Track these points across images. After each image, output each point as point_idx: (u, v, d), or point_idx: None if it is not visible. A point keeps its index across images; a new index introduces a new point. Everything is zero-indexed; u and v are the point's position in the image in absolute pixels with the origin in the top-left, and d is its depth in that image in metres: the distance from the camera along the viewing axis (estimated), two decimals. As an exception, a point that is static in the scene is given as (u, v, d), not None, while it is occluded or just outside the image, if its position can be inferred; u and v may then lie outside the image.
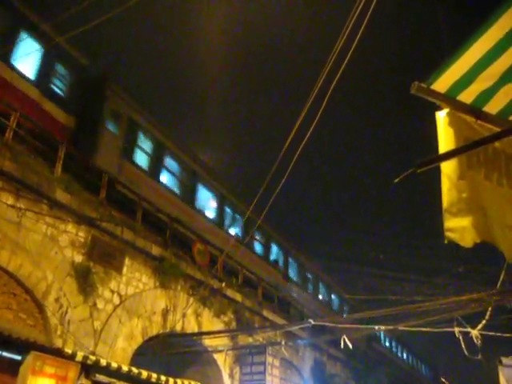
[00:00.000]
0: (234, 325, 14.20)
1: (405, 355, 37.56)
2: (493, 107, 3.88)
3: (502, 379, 6.21)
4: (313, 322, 10.18)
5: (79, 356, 7.70)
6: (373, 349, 27.61)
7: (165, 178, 15.33)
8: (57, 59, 12.56)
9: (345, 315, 24.36)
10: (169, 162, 15.63)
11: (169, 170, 15.57)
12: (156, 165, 14.91)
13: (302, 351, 17.71)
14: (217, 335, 12.82)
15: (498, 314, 8.11)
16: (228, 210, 18.15)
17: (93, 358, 8.01)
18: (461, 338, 7.70)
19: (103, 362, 8.09)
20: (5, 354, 7.17)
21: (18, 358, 7.24)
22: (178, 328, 11.99)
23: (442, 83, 3.71)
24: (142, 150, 14.50)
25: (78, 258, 9.63)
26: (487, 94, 3.80)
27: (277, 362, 14.11)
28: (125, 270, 10.75)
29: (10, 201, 8.52)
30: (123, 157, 13.50)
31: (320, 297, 25.99)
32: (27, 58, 11.33)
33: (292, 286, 21.72)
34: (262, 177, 7.92)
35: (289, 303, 19.07)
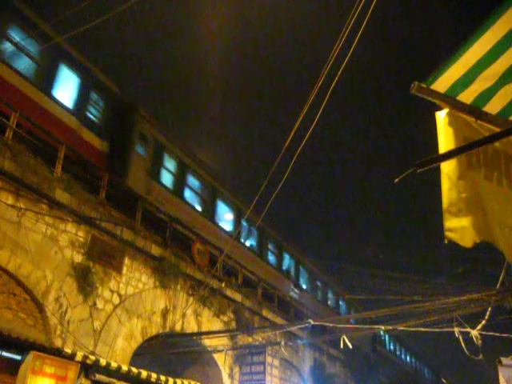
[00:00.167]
0: (233, 325, 14.20)
1: (407, 357, 37.77)
2: (493, 107, 3.87)
3: (501, 379, 6.20)
4: (312, 322, 10.18)
5: (79, 356, 7.70)
6: (377, 352, 27.78)
7: (188, 195, 16.24)
8: (92, 88, 13.34)
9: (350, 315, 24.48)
10: (191, 180, 16.51)
11: (191, 188, 16.43)
12: (180, 183, 15.79)
13: (302, 351, 17.71)
14: (216, 335, 12.82)
15: (498, 314, 8.11)
16: (244, 225, 18.84)
17: (92, 357, 8.02)
18: (461, 338, 7.70)
19: (103, 362, 8.10)
20: (4, 353, 7.17)
21: (18, 357, 7.25)
22: (178, 328, 11.99)
23: (442, 83, 3.71)
24: (167, 169, 15.38)
25: (78, 258, 9.63)
26: (487, 94, 3.80)
27: (276, 362, 14.12)
28: (124, 269, 10.75)
29: (10, 200, 8.52)
30: (151, 177, 14.33)
31: (329, 302, 26.15)
32: (66, 89, 12.39)
33: (305, 294, 22.60)
34: (263, 177, 7.93)
35: (289, 303, 19.08)
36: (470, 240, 3.63)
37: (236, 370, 13.75)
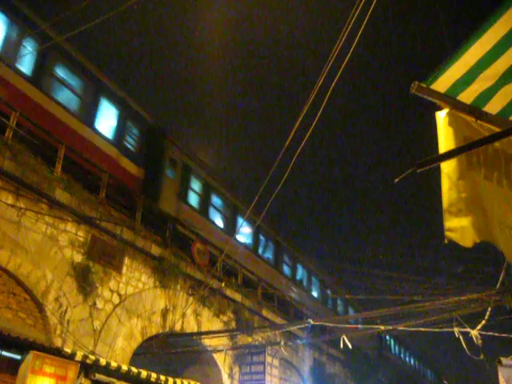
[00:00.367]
0: (233, 324, 14.20)
1: (411, 360, 38.21)
2: (493, 107, 3.87)
3: (501, 379, 6.21)
4: (312, 322, 10.18)
5: (79, 355, 7.70)
6: (383, 356, 28.46)
7: (212, 213, 17.27)
8: (127, 118, 14.20)
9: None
10: (214, 199, 17.49)
11: (215, 207, 17.41)
12: (204, 203, 16.83)
13: (302, 351, 17.71)
14: (216, 335, 12.82)
15: (498, 314, 8.11)
16: (262, 237, 20.14)
17: (92, 357, 8.02)
18: (461, 338, 7.70)
19: (103, 362, 8.10)
20: (4, 353, 7.17)
21: (18, 357, 7.25)
22: (178, 328, 11.99)
23: (442, 83, 3.71)
24: (193, 190, 16.35)
25: (78, 258, 9.63)
26: (487, 94, 3.80)
27: (276, 362, 14.13)
28: (124, 269, 10.75)
29: (10, 200, 8.52)
30: (179, 198, 15.27)
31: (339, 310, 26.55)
32: (106, 120, 13.32)
33: (315, 302, 23.48)
34: (263, 177, 7.93)
35: (289, 303, 19.10)
36: (470, 240, 3.62)
37: (236, 369, 13.75)
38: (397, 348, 34.03)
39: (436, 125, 3.91)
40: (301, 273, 23.60)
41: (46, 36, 11.48)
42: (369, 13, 5.05)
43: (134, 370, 8.67)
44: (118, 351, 10.04)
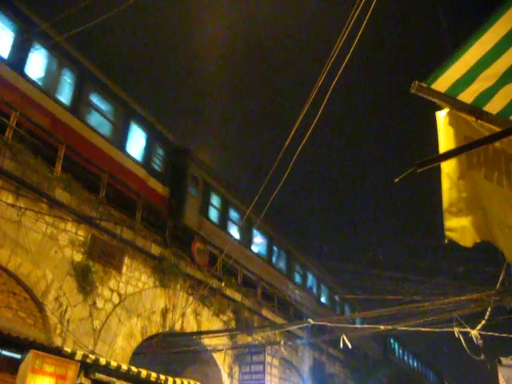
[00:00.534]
0: (233, 324, 14.20)
1: (414, 362, 38.81)
2: (493, 107, 3.87)
3: (501, 379, 6.20)
4: (312, 322, 10.18)
5: (79, 355, 7.70)
6: (389, 360, 29.16)
7: (229, 226, 18.22)
8: (154, 140, 15.01)
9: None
10: (232, 213, 18.41)
11: (232, 221, 18.32)
12: (223, 218, 17.74)
13: (302, 351, 17.71)
14: (216, 334, 12.82)
15: (498, 314, 8.12)
16: (275, 248, 21.20)
17: (92, 356, 8.01)
18: (461, 338, 7.70)
19: (102, 361, 8.10)
20: (4, 352, 7.17)
21: (18, 356, 7.24)
22: (178, 327, 11.99)
23: (443, 83, 3.70)
24: (213, 206, 17.26)
25: (78, 257, 9.63)
26: (487, 94, 3.80)
27: (276, 362, 14.13)
28: (124, 269, 10.75)
29: (10, 200, 8.52)
30: (201, 214, 16.15)
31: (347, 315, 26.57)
32: (135, 143, 14.18)
33: (325, 308, 24.18)
34: (263, 177, 7.92)
35: (289, 303, 19.11)
36: (470, 240, 3.62)
37: (235, 369, 13.75)
38: (400, 351, 34.66)
39: (436, 124, 3.91)
40: (311, 280, 24.39)
41: (83, 68, 12.54)
42: (369, 13, 5.05)
43: (133, 369, 8.67)
44: (117, 350, 10.04)
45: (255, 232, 19.64)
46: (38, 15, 11.50)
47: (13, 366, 7.18)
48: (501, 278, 6.53)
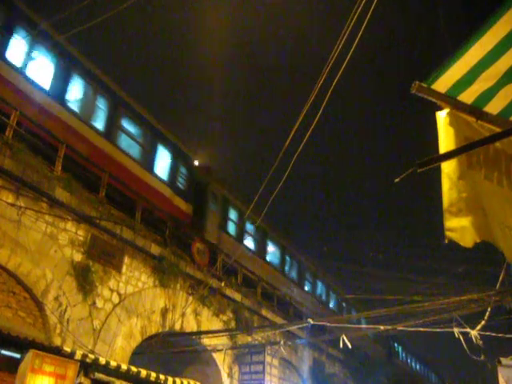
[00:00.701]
0: (233, 324, 14.20)
1: (415, 363, 39.62)
2: (493, 107, 3.87)
3: (501, 379, 6.21)
4: (312, 322, 10.18)
5: (78, 354, 7.70)
6: (394, 363, 30.09)
7: (246, 239, 19.08)
8: (178, 160, 15.77)
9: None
10: (248, 225, 19.20)
11: (248, 233, 19.20)
12: (240, 231, 18.62)
13: (301, 351, 17.70)
14: (216, 334, 12.82)
15: (498, 315, 8.11)
16: (288, 259, 22.21)
17: (92, 356, 8.01)
18: (461, 338, 7.70)
19: (102, 361, 8.10)
20: (4, 352, 7.17)
21: (17, 356, 7.24)
22: (177, 327, 11.99)
23: (443, 83, 3.70)
24: (231, 220, 18.16)
25: (78, 257, 9.63)
26: (488, 95, 3.80)
27: (276, 362, 14.12)
28: (124, 268, 10.74)
29: (10, 199, 8.51)
30: (220, 228, 17.00)
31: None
32: (161, 164, 14.93)
33: (331, 313, 24.85)
34: (263, 177, 7.92)
35: (289, 303, 19.12)
36: (470, 240, 3.63)
37: (235, 369, 13.75)
38: (404, 354, 35.66)
39: (436, 125, 3.91)
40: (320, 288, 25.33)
41: (110, 91, 13.22)
42: (369, 13, 5.05)
43: (133, 369, 8.67)
44: (117, 350, 10.04)
45: (269, 242, 20.71)
46: (78, 48, 12.56)
47: (12, 366, 7.18)
48: (501, 278, 6.53)
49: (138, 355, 11.13)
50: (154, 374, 9.02)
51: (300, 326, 13.17)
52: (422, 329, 8.87)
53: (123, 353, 10.19)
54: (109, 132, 13.04)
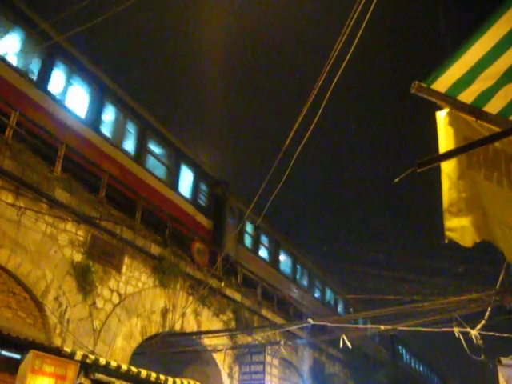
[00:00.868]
0: (233, 324, 14.20)
1: (421, 367, 40.64)
2: (493, 107, 3.87)
3: (501, 379, 6.20)
4: (312, 322, 10.18)
5: (78, 355, 7.70)
6: (398, 366, 30.84)
7: (261, 250, 19.95)
8: (199, 178, 16.58)
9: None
10: (263, 238, 20.16)
11: (263, 245, 20.08)
12: (255, 242, 19.38)
13: (301, 351, 17.71)
14: (216, 334, 12.81)
15: (498, 314, 8.11)
16: (299, 267, 23.12)
17: (92, 357, 8.01)
18: (462, 338, 7.69)
19: (102, 361, 8.09)
20: (4, 352, 7.16)
21: (17, 356, 7.23)
22: (177, 327, 11.99)
23: (443, 83, 3.70)
24: (247, 233, 18.87)
25: (78, 257, 9.62)
26: (487, 94, 3.80)
27: (276, 362, 14.12)
28: (124, 268, 10.74)
29: (10, 199, 8.51)
30: (238, 241, 17.52)
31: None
32: (185, 182, 15.79)
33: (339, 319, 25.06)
34: (263, 176, 7.92)
35: (289, 303, 19.13)
36: (470, 240, 3.62)
37: (235, 369, 13.74)
38: (407, 356, 36.55)
39: (436, 125, 3.91)
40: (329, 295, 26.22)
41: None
42: (369, 13, 5.04)
43: (133, 369, 8.67)
44: (117, 351, 10.04)
45: (281, 253, 21.69)
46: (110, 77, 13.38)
47: (12, 366, 7.18)
48: (501, 278, 6.53)
49: (138, 355, 11.13)
50: (154, 375, 9.02)
51: (300, 326, 13.18)
52: (422, 329, 8.86)
53: (123, 353, 10.19)
54: (138, 155, 13.85)
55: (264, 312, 16.06)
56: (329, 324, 10.76)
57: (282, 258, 21.71)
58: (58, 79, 11.79)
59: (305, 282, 23.41)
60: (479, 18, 3.48)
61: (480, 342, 7.54)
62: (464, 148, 3.58)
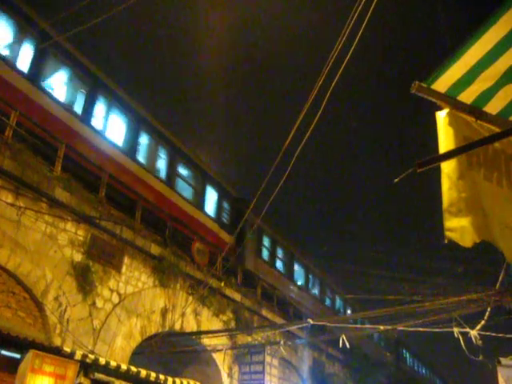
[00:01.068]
0: (232, 324, 14.20)
1: (423, 370, 41.73)
2: (493, 107, 3.87)
3: (500, 379, 6.21)
4: (312, 322, 10.18)
5: (78, 355, 7.70)
6: (401, 369, 31.26)
7: (277, 262, 20.99)
8: (222, 197, 17.61)
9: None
10: (279, 251, 21.22)
11: (279, 257, 21.09)
12: (272, 255, 20.45)
13: (301, 351, 17.70)
14: (216, 334, 12.81)
15: (497, 315, 8.11)
16: (311, 278, 24.26)
17: (92, 356, 8.01)
18: (460, 338, 7.69)
19: (102, 361, 8.10)
20: (4, 352, 7.16)
21: (17, 356, 7.24)
22: (177, 327, 11.98)
23: (443, 83, 3.70)
24: (265, 246, 19.94)
25: (78, 257, 9.62)
26: (487, 95, 3.80)
27: (275, 362, 14.11)
28: (124, 268, 10.74)
29: (10, 199, 8.51)
30: (256, 255, 18.66)
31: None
32: (210, 202, 16.91)
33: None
34: (263, 176, 7.92)
35: (289, 303, 19.15)
36: (469, 240, 3.62)
37: (235, 369, 13.74)
38: (411, 359, 37.71)
39: (436, 125, 3.91)
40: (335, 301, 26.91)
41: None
42: (369, 12, 5.05)
43: (133, 369, 8.67)
44: (117, 350, 10.04)
45: (296, 264, 22.64)
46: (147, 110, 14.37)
47: (12, 366, 7.18)
48: (501, 278, 6.53)
49: (138, 355, 11.13)
50: (153, 374, 9.02)
51: (300, 326, 13.18)
52: (422, 329, 8.86)
53: (123, 353, 10.19)
54: (169, 179, 14.87)
55: (264, 312, 16.06)
56: (328, 324, 10.76)
57: (296, 268, 22.68)
58: (99, 112, 12.79)
59: (316, 291, 24.61)
60: (479, 18, 3.48)
61: (479, 342, 7.54)
62: (464, 148, 3.58)
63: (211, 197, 17.07)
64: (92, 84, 12.57)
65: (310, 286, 23.87)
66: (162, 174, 14.75)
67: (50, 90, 11.50)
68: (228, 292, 14.23)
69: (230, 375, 13.53)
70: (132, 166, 13.28)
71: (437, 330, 8.52)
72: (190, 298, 12.57)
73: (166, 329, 11.63)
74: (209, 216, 16.48)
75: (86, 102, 12.33)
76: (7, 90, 10.12)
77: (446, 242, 3.63)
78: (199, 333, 12.52)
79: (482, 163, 3.88)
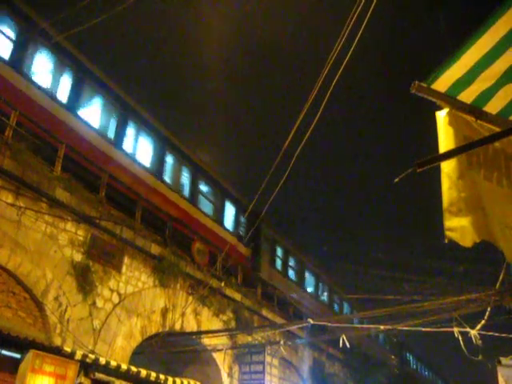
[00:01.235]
0: (233, 324, 14.20)
1: (425, 371, 42.55)
2: (493, 107, 3.87)
3: (500, 379, 6.21)
4: (312, 322, 10.18)
5: (78, 354, 7.70)
6: (405, 371, 31.97)
7: (289, 271, 21.69)
8: (239, 211, 18.20)
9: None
10: (291, 260, 22.00)
11: (291, 267, 21.77)
12: (284, 265, 21.17)
13: (301, 351, 17.71)
14: (216, 334, 12.81)
15: (497, 314, 8.11)
16: (321, 285, 25.04)
17: (92, 356, 8.01)
18: (460, 338, 7.69)
19: (102, 361, 8.10)
20: (4, 352, 7.16)
21: (18, 356, 7.24)
22: (177, 327, 11.99)
23: (443, 83, 3.70)
24: (278, 257, 20.67)
25: (78, 257, 9.62)
26: (487, 94, 3.80)
27: (276, 362, 14.12)
28: (124, 268, 10.74)
29: (10, 199, 8.51)
30: (270, 265, 19.42)
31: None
32: (228, 217, 17.66)
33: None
34: (263, 176, 7.93)
35: (289, 303, 19.15)
36: (469, 239, 3.62)
37: (235, 369, 13.74)
38: (414, 362, 38.62)
39: (436, 124, 3.91)
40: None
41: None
42: (369, 12, 5.05)
43: (133, 369, 8.68)
44: (117, 350, 10.04)
45: (306, 272, 23.43)
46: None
47: (13, 366, 7.18)
48: (501, 278, 6.52)
49: (138, 355, 11.13)
50: (153, 374, 9.02)
51: (300, 325, 13.18)
52: (422, 329, 8.86)
53: (123, 353, 10.20)
54: (192, 196, 15.67)
55: (264, 312, 16.06)
56: (329, 324, 10.76)
57: (307, 276, 23.44)
58: (130, 137, 13.56)
59: (325, 298, 25.47)
60: (479, 18, 3.48)
61: (479, 342, 7.54)
62: (464, 148, 3.58)
63: (229, 212, 17.93)
64: (123, 110, 13.26)
65: (319, 292, 24.78)
66: (186, 192, 15.58)
67: (85, 119, 12.10)
68: (228, 292, 14.22)
69: (230, 375, 13.54)
70: (160, 186, 14.08)
71: (437, 329, 8.52)
72: (190, 297, 12.57)
73: (166, 329, 11.63)
74: (228, 230, 17.27)
75: (117, 128, 13.03)
76: (51, 121, 10.81)
77: (446, 241, 3.64)
78: (199, 333, 12.52)
79: (482, 163, 3.88)
